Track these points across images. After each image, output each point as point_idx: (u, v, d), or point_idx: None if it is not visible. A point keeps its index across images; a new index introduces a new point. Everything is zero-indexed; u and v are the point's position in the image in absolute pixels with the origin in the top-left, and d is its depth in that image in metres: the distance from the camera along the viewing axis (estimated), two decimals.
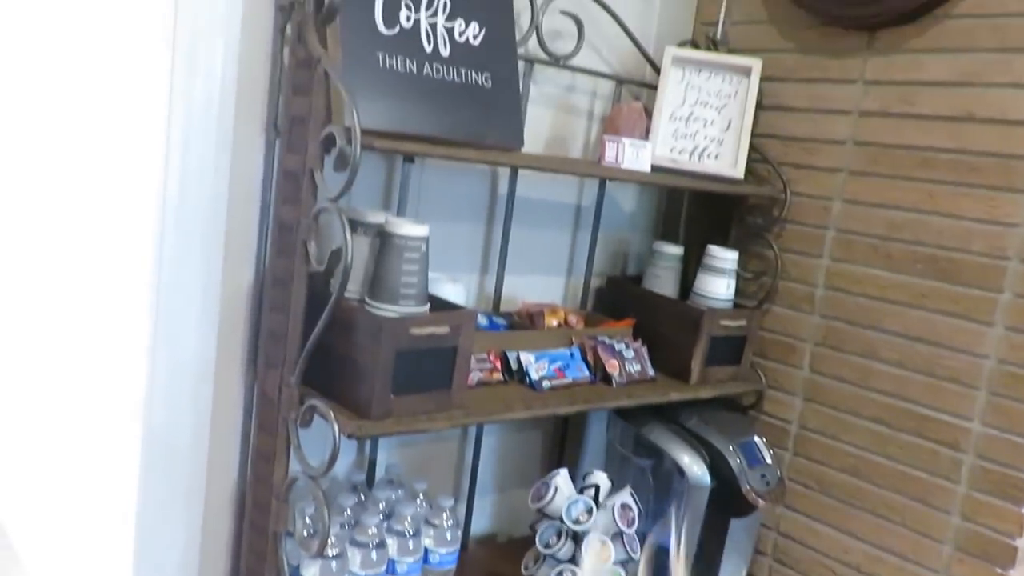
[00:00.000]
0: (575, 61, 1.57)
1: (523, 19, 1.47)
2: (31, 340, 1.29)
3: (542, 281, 1.71)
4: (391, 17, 1.21)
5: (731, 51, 1.73)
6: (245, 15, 1.21)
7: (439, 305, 1.26)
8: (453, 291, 1.40)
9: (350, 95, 1.04)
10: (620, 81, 1.69)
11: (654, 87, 1.66)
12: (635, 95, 1.74)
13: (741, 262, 1.66)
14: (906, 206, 1.50)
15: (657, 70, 1.66)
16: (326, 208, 1.09)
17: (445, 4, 1.26)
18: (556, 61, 1.55)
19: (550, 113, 1.64)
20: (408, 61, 1.21)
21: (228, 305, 1.29)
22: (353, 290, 1.23)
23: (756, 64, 1.63)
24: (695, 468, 1.48)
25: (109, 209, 1.25)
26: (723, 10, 1.76)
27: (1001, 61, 1.39)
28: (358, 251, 1.19)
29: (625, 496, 1.41)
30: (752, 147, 1.64)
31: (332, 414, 1.11)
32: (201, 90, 1.20)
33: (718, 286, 1.61)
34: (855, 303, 1.57)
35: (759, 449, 1.56)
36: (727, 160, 1.63)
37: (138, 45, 1.20)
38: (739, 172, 1.61)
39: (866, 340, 1.56)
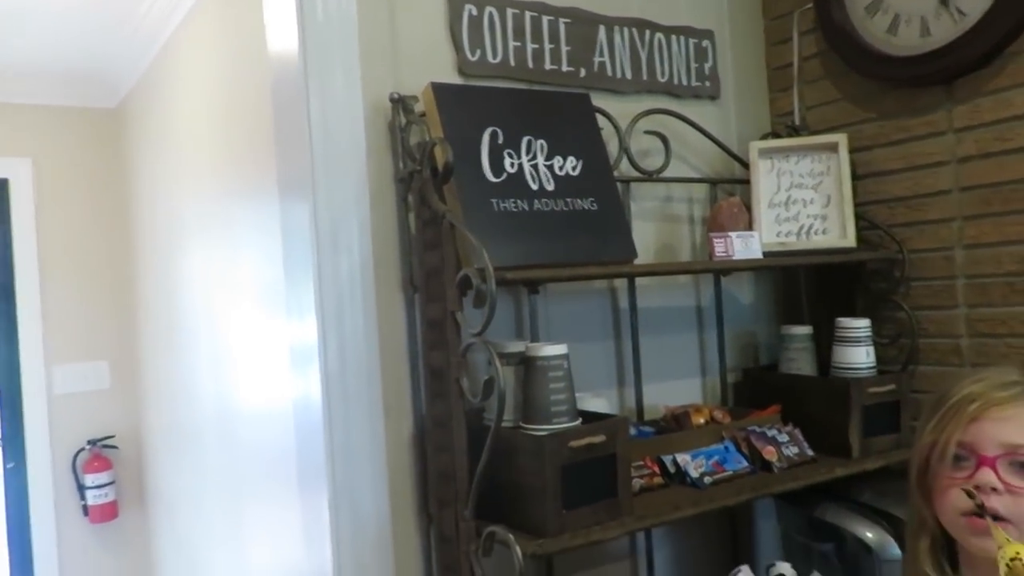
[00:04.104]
0: (666, 173, 1.67)
1: (612, 145, 1.59)
2: (226, 511, 1.40)
3: (679, 385, 1.73)
4: (497, 167, 1.34)
5: (812, 133, 1.80)
6: (372, 194, 1.37)
7: (590, 418, 1.31)
8: (598, 405, 1.45)
9: (477, 238, 1.16)
10: (713, 182, 1.77)
11: (746, 181, 1.73)
12: (729, 192, 1.81)
13: (874, 328, 1.65)
14: None
15: (745, 166, 1.74)
16: (473, 343, 1.19)
17: (543, 146, 1.39)
18: (649, 176, 1.65)
19: (653, 225, 1.72)
20: (519, 201, 1.33)
21: (394, 457, 1.38)
22: (507, 419, 1.29)
23: (842, 138, 1.68)
24: (883, 542, 1.42)
25: (283, 384, 1.38)
26: (796, 98, 1.85)
27: None
28: (506, 380, 1.27)
29: None
30: (858, 216, 1.67)
31: (511, 537, 1.16)
32: (345, 267, 1.34)
33: (857, 356, 1.60)
34: (1005, 345, 1.53)
35: None
36: (835, 233, 1.66)
37: (292, 240, 1.37)
38: (850, 241, 1.64)
39: None
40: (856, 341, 1.61)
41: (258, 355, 1.99)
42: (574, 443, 1.20)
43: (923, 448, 1.04)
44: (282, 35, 1.40)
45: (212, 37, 2.26)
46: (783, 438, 1.53)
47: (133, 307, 3.44)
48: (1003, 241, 1.53)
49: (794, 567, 1.43)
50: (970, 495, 0.96)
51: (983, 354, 1.56)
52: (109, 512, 3.40)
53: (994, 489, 0.95)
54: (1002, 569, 0.86)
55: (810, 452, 1.54)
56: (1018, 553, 0.86)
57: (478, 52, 1.48)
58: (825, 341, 1.69)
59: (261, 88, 1.72)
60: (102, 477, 3.37)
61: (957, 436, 0.99)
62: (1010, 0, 1.44)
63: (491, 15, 1.49)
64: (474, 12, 1.47)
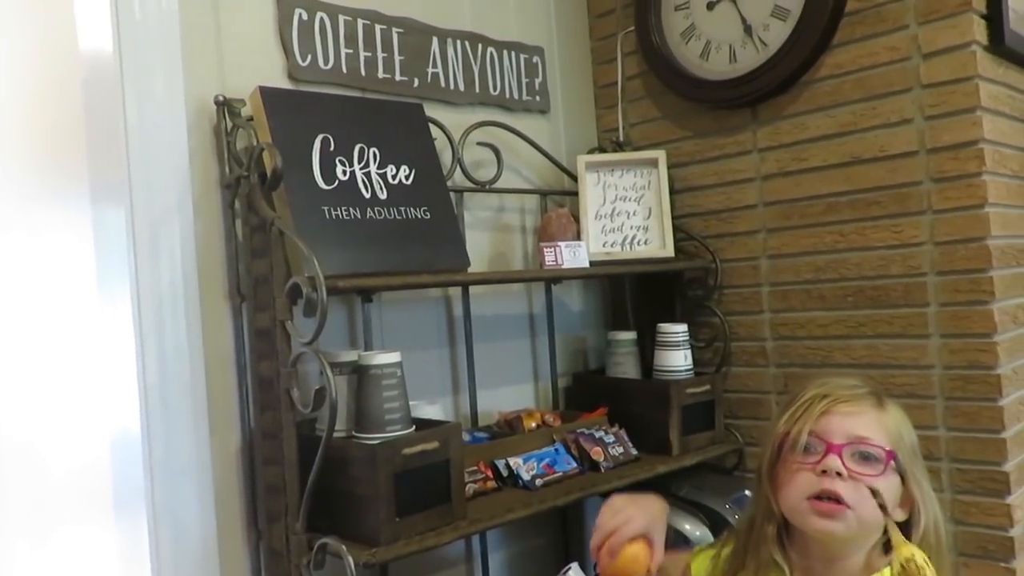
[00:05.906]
0: (499, 184, 1.71)
1: (445, 156, 1.61)
2: (31, 540, 1.30)
3: (512, 390, 1.78)
4: (329, 174, 1.33)
5: (635, 149, 1.90)
6: (195, 200, 1.31)
7: (423, 425, 1.32)
8: (433, 413, 1.46)
9: (307, 246, 1.14)
10: (543, 194, 1.84)
11: (575, 193, 1.80)
12: (559, 203, 1.88)
13: (691, 333, 1.76)
14: (824, 249, 1.64)
15: (574, 178, 1.81)
16: (304, 352, 1.17)
17: (375, 154, 1.39)
18: (482, 187, 1.68)
19: (486, 235, 1.76)
20: (352, 209, 1.33)
21: (220, 471, 1.32)
22: (340, 429, 1.28)
23: (660, 155, 1.79)
24: (696, 532, 1.52)
25: (95, 397, 1.29)
26: (620, 115, 1.95)
27: (869, 108, 1.57)
28: (339, 390, 1.25)
29: None
30: (676, 227, 1.78)
31: (344, 548, 1.14)
32: (166, 275, 1.28)
33: (676, 359, 1.71)
34: (803, 346, 1.68)
35: None
36: (656, 243, 1.76)
37: (106, 247, 1.29)
38: (669, 251, 1.74)
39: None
40: (675, 345, 1.71)
41: (69, 369, 1.85)
42: (407, 450, 1.20)
43: (777, 438, 1.13)
44: (94, 32, 1.32)
45: (10, 17, 2.08)
46: (610, 439, 1.61)
47: None
48: (800, 252, 1.68)
49: None
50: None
51: (785, 355, 1.71)
52: None
53: (839, 474, 1.05)
54: (895, 568, 0.97)
55: (634, 451, 1.62)
56: (912, 555, 0.96)
57: (309, 57, 1.46)
58: (649, 345, 1.79)
59: (69, 80, 1.61)
60: None
61: (809, 426, 1.09)
62: (804, 34, 1.59)
63: (322, 20, 1.47)
64: (304, 17, 1.45)
